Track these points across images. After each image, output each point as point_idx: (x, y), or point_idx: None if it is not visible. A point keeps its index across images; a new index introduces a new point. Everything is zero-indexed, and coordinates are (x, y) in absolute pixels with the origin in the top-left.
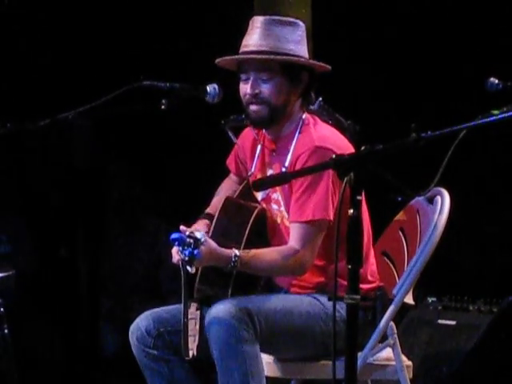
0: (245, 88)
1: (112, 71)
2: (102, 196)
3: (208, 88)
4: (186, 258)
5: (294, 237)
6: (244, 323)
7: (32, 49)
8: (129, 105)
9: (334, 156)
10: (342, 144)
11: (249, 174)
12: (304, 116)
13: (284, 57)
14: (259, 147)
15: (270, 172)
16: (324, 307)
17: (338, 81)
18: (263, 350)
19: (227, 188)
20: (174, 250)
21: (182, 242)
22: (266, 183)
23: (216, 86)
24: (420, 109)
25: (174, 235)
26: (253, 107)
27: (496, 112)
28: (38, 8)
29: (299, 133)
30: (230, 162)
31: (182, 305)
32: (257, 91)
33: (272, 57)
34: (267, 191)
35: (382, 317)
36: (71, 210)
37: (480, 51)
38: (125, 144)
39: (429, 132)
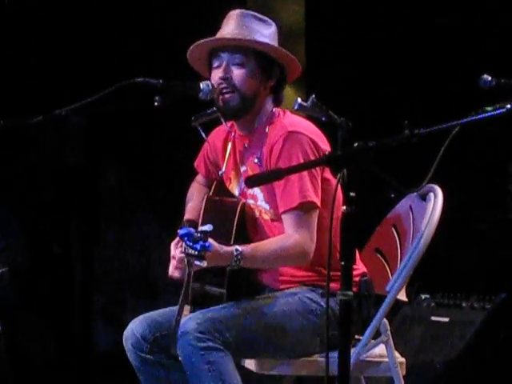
0: (217, 73)
1: (105, 68)
2: (94, 192)
3: (201, 85)
4: (197, 253)
5: (289, 226)
6: (208, 333)
7: (26, 46)
8: (122, 102)
9: (327, 152)
10: (312, 129)
11: (220, 172)
12: (274, 110)
13: (260, 42)
14: (230, 145)
15: (243, 169)
16: (301, 302)
17: (331, 78)
18: (242, 356)
19: (198, 192)
20: (173, 247)
21: (191, 237)
22: (260, 179)
23: (209, 83)
24: (413, 105)
25: (183, 231)
26: (224, 96)
27: (489, 109)
28: (34, 7)
29: (270, 125)
30: (199, 164)
31: (179, 303)
32: (228, 75)
33: (247, 39)
34: (242, 187)
35: (367, 304)
36: (64, 207)
37: (473, 48)
38: (117, 140)
39: (422, 129)
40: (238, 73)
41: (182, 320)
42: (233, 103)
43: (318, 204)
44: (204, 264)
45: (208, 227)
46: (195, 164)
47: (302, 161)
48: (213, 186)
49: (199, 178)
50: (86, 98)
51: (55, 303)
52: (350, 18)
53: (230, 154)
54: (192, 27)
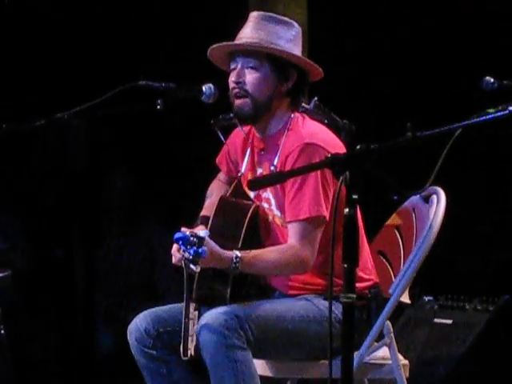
0: (231, 77)
1: (107, 71)
2: (97, 196)
3: (204, 88)
4: (191, 257)
5: (292, 235)
6: (234, 331)
7: (29, 48)
8: (124, 105)
9: (328, 155)
10: (330, 140)
11: (239, 174)
12: (292, 115)
13: (272, 47)
14: (248, 146)
15: (259, 171)
16: (318, 309)
17: (334, 80)
18: (257, 356)
19: (218, 189)
20: (175, 249)
21: (186, 241)
22: (262, 183)
23: (212, 86)
24: (415, 107)
25: (178, 234)
26: (237, 101)
27: (491, 111)
28: (36, 9)
29: (288, 131)
30: (221, 162)
31: (184, 305)
32: (241, 80)
33: (259, 45)
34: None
35: (377, 315)
36: (67, 210)
37: (476, 50)
38: (120, 144)
39: (424, 131)
40: (251, 77)
41: (207, 314)
42: (246, 109)
43: (328, 218)
44: (197, 269)
45: (204, 233)
46: (217, 161)
47: (313, 173)
48: (231, 187)
49: (221, 175)
50: (89, 102)
51: (58, 306)
52: (352, 21)
53: (248, 155)
54: (193, 29)
